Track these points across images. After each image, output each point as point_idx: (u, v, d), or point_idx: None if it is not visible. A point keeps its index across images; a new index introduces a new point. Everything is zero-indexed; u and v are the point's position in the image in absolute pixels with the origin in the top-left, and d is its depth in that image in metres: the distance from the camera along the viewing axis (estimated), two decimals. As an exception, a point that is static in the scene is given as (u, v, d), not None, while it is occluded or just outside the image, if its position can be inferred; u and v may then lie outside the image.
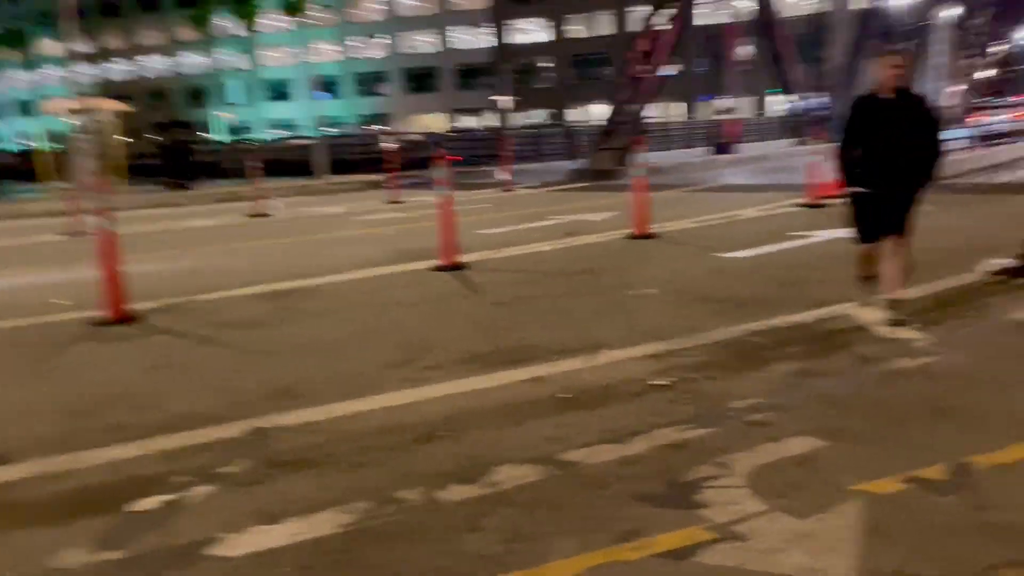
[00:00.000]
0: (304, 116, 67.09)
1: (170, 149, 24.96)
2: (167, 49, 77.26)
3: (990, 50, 51.82)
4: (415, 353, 5.38)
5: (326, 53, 71.09)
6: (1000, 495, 3.03)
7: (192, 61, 76.36)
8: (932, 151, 5.46)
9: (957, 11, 44.93)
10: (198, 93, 75.54)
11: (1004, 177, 17.39)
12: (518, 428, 3.96)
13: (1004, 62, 55.73)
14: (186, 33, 74.10)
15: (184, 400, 4.62)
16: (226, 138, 53.30)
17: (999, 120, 27.09)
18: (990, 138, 25.58)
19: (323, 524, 3.07)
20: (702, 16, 43.83)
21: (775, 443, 3.61)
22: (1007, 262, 7.08)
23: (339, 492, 3.32)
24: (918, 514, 2.91)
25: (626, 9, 58.11)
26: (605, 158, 22.48)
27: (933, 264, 5.72)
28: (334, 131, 50.41)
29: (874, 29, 38.05)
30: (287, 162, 27.37)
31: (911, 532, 2.79)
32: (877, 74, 5.53)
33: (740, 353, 5.08)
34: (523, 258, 9.41)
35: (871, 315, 5.68)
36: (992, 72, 52.46)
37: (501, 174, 20.81)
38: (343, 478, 3.47)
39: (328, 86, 67.91)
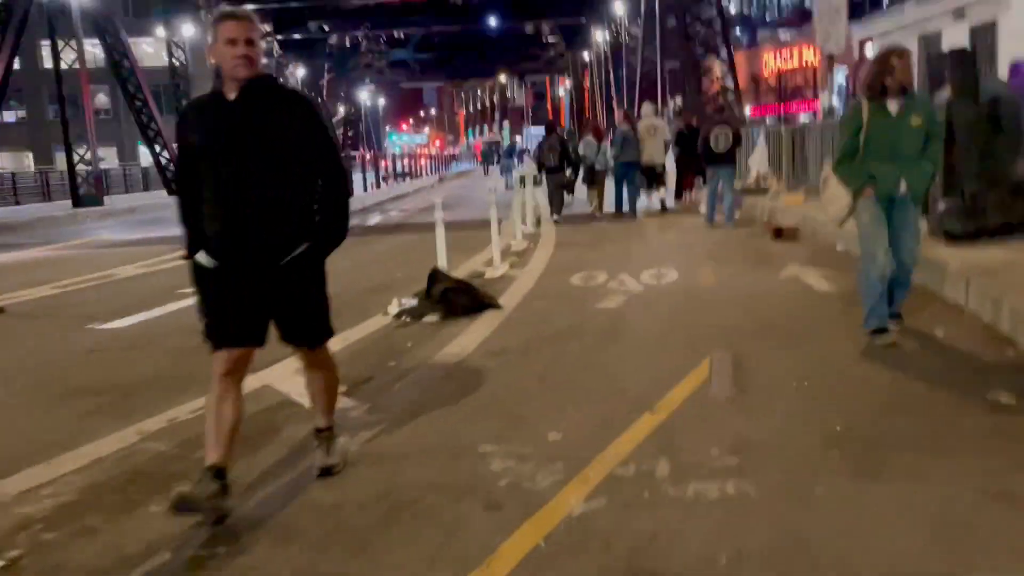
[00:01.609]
0: None
1: None
2: None
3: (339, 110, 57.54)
4: None
5: None
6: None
7: None
8: (328, 186, 3.20)
9: (301, 73, 49.25)
10: None
11: (374, 219, 18.72)
12: None
13: (348, 120, 61.75)
14: None
15: None
16: None
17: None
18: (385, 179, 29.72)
19: None
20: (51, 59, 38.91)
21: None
22: (409, 302, 6.90)
23: None
24: None
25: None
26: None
27: (333, 312, 5.03)
28: None
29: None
30: None
31: None
32: (214, 53, 3.07)
33: (135, 474, 3.56)
34: None
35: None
36: (341, 129, 58.03)
37: None
38: None
39: None
